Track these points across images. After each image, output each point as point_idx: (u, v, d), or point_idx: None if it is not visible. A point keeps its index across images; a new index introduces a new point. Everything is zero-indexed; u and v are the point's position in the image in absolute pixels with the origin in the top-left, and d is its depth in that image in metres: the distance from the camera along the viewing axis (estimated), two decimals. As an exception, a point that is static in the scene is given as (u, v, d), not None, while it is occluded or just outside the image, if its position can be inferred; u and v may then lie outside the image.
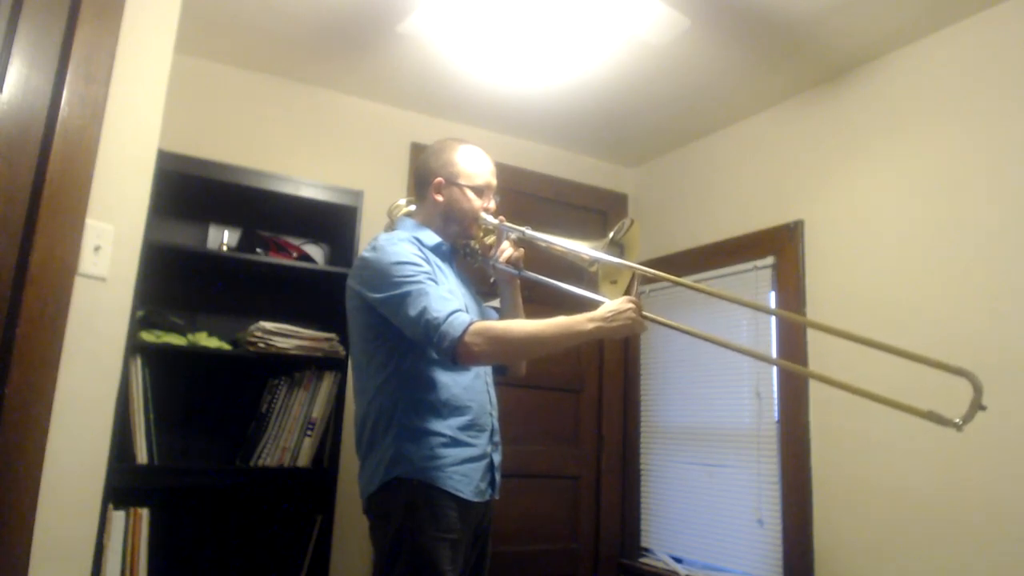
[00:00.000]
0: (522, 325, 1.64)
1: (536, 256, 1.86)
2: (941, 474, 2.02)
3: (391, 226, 1.96)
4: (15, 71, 1.26)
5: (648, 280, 3.13)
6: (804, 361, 2.43)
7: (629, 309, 1.61)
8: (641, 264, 1.70)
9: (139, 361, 2.09)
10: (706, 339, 1.69)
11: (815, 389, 2.40)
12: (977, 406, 1.31)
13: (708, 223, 2.97)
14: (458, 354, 1.53)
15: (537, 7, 2.03)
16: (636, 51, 2.42)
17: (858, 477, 2.23)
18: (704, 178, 3.07)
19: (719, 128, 3.01)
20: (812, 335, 2.43)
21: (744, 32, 2.29)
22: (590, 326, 1.59)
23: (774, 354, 2.58)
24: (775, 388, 2.55)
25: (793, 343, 2.49)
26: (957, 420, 1.31)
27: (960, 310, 2.04)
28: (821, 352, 2.39)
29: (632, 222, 1.76)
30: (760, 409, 2.59)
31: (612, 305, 1.63)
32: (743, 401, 2.67)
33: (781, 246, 2.61)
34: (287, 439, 2.29)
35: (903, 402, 1.36)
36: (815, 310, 2.44)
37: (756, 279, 2.68)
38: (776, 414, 2.53)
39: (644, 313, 1.63)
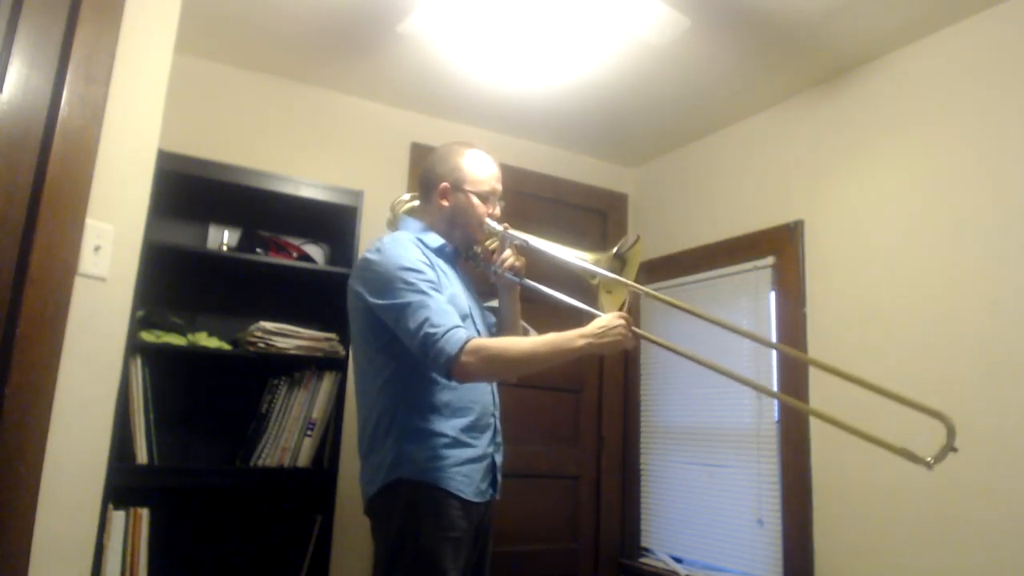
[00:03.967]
0: (516, 344, 1.64)
1: (537, 262, 1.85)
2: (941, 474, 2.00)
3: (393, 220, 1.95)
4: (15, 71, 1.26)
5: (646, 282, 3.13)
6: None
7: (620, 325, 1.60)
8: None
9: (139, 361, 2.09)
10: (700, 363, 1.68)
11: (815, 390, 2.40)
12: (949, 448, 1.36)
13: (708, 223, 2.97)
14: (452, 373, 1.53)
15: (537, 7, 2.03)
16: (636, 51, 2.42)
17: (858, 477, 2.23)
18: (704, 178, 3.07)
19: (719, 128, 3.01)
20: (811, 344, 2.43)
21: (744, 32, 2.29)
22: (581, 342, 1.57)
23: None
24: (775, 388, 2.54)
25: (792, 341, 2.48)
26: (929, 459, 1.36)
27: (960, 310, 2.04)
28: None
29: (638, 238, 1.75)
30: (760, 409, 2.59)
31: (602, 321, 1.61)
32: (743, 401, 2.67)
33: (781, 246, 2.60)
34: (287, 439, 2.29)
35: (879, 437, 1.40)
36: (815, 310, 2.44)
37: (756, 279, 2.68)
38: (776, 414, 2.53)
39: (634, 329, 1.62)
